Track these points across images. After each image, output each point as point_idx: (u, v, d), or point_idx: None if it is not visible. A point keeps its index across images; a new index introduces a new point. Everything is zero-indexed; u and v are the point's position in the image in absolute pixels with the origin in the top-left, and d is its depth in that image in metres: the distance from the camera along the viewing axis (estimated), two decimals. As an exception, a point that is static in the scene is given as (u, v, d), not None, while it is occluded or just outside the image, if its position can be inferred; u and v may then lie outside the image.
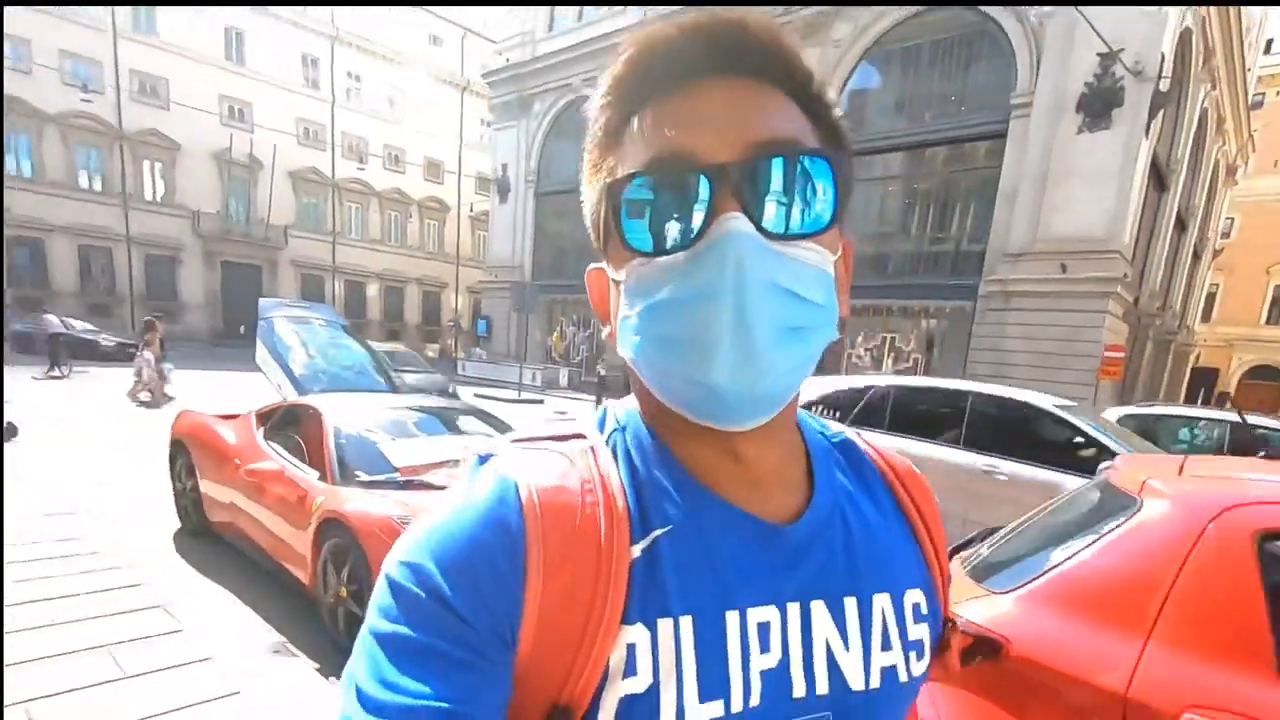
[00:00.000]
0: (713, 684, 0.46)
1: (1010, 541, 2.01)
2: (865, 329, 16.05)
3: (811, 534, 0.52)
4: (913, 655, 0.55)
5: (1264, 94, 29.37)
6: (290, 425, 4.41)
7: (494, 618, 0.43)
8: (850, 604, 0.52)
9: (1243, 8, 16.55)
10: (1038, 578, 1.62)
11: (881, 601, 0.54)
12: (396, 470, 3.76)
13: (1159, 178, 15.16)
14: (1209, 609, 1.39)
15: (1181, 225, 18.86)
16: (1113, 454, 3.83)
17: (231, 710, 2.71)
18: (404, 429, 4.35)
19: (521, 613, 0.43)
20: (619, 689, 0.44)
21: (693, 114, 0.44)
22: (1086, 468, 3.89)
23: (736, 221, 0.41)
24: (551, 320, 24.16)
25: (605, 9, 21.30)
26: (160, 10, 26.74)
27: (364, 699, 0.41)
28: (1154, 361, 19.18)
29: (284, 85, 30.26)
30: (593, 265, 0.53)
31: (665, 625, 0.45)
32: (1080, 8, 11.28)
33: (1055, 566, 1.62)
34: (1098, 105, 12.26)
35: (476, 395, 15.50)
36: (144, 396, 11.47)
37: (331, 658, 3.22)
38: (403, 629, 0.42)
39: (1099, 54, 11.97)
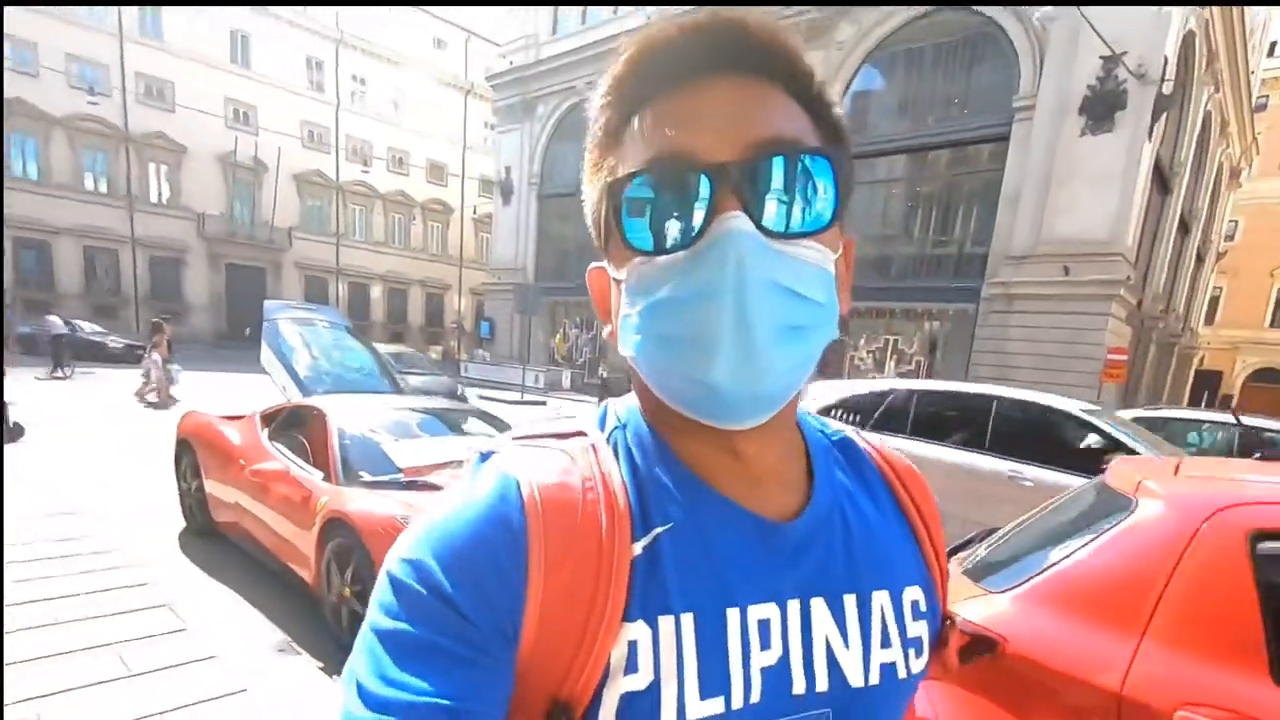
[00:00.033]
0: (713, 681, 0.46)
1: (1007, 542, 2.03)
2: (868, 331, 16.05)
3: (811, 532, 0.52)
4: (911, 652, 0.55)
5: (1268, 96, 29.34)
6: (295, 426, 4.44)
7: (495, 614, 0.43)
8: (850, 601, 0.52)
9: (1246, 12, 16.53)
10: (1034, 577, 1.64)
11: (881, 599, 0.54)
12: (400, 471, 3.78)
13: (1162, 180, 15.14)
14: (1202, 608, 1.41)
15: (1185, 228, 18.82)
16: None
17: (236, 708, 2.73)
18: (407, 430, 4.38)
19: (523, 609, 0.43)
20: (620, 685, 0.44)
21: (693, 113, 0.44)
22: None
23: (737, 220, 0.41)
24: (554, 322, 24.20)
25: (608, 12, 21.38)
26: (166, 14, 26.90)
27: (365, 695, 0.41)
28: (1157, 364, 19.14)
29: (289, 88, 30.42)
30: (594, 264, 0.53)
31: (666, 622, 0.46)
32: (1083, 12, 11.29)
33: (1051, 566, 1.63)
34: (1101, 108, 12.25)
35: (479, 397, 15.53)
36: (152, 398, 11.52)
37: (335, 657, 3.24)
38: (404, 625, 0.43)
39: (1102, 57, 11.97)
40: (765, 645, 0.48)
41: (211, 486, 4.53)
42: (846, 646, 0.51)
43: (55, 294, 24.76)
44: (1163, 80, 11.71)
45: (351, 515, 3.20)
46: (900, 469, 0.63)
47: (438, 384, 12.48)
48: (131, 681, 2.83)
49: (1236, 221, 30.23)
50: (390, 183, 33.98)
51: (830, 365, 16.25)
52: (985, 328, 13.81)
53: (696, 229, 0.42)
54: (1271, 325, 30.83)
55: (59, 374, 14.17)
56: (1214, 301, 30.46)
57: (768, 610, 0.49)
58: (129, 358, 17.63)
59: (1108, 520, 1.65)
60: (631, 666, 0.44)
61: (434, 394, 9.31)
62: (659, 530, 0.48)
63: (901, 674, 0.54)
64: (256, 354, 5.72)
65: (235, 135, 28.46)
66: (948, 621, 0.61)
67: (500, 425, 5.09)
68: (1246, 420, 5.62)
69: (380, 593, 0.45)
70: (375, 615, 0.44)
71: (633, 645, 0.45)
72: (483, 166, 34.64)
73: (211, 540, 4.61)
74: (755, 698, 0.47)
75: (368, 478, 3.67)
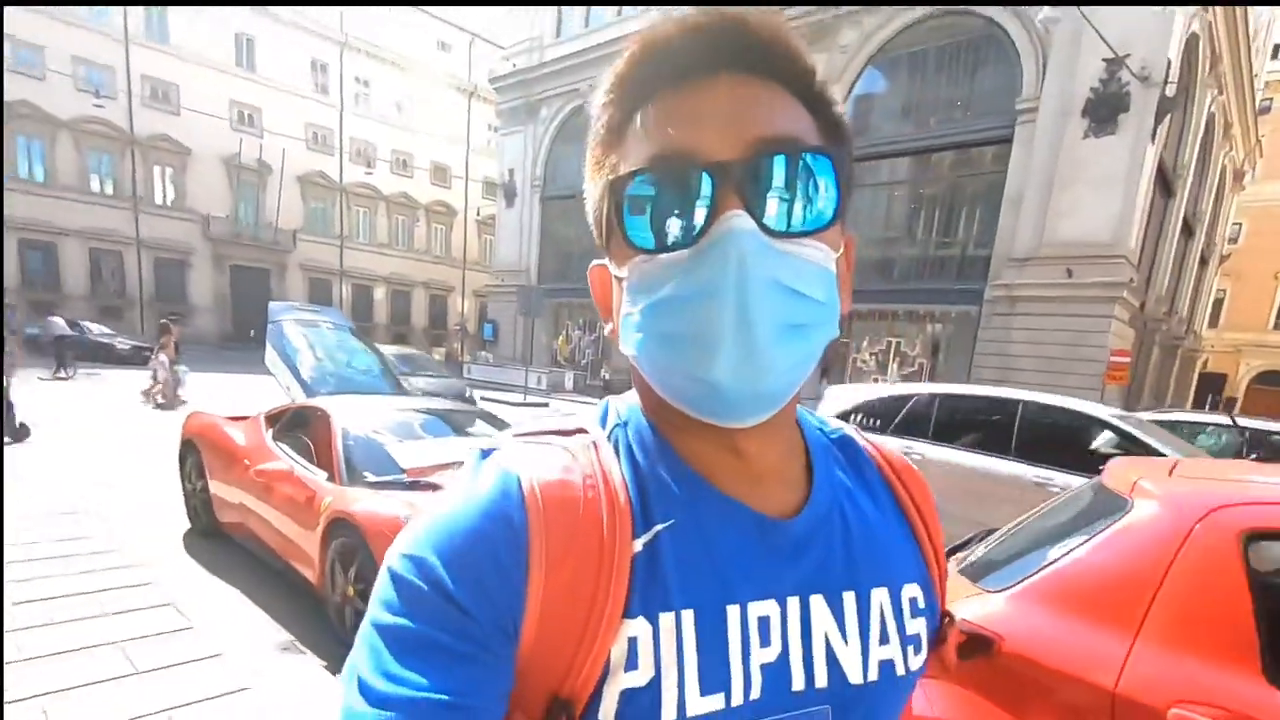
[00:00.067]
0: (713, 677, 0.46)
1: (1004, 542, 2.04)
2: (870, 333, 16.05)
3: (811, 529, 0.52)
4: (910, 649, 0.55)
5: (1272, 99, 29.27)
6: (299, 427, 4.46)
7: (496, 611, 0.43)
8: (849, 598, 0.52)
9: (1249, 14, 16.51)
10: (1030, 577, 1.65)
11: (879, 596, 0.54)
12: (403, 471, 3.80)
13: (1165, 183, 15.12)
14: (1196, 607, 1.42)
15: (1189, 230, 18.80)
16: None
17: (241, 706, 2.76)
18: (411, 431, 4.40)
19: (524, 606, 0.44)
20: (620, 682, 0.44)
21: (695, 111, 0.44)
22: None
23: (739, 219, 0.41)
24: (557, 324, 24.23)
25: (612, 15, 21.43)
26: (172, 17, 27.05)
27: (366, 690, 0.42)
28: (1161, 367, 19.10)
29: (293, 91, 30.56)
30: (595, 262, 0.53)
31: (667, 619, 0.46)
32: (1086, 14, 11.29)
33: (1047, 566, 1.65)
34: (1104, 110, 12.25)
35: (482, 398, 15.56)
36: (160, 399, 11.57)
37: (339, 656, 3.25)
38: (405, 621, 0.43)
39: (1105, 59, 11.97)
40: (765, 642, 0.48)
41: (216, 487, 4.55)
42: (845, 643, 0.51)
43: (61, 295, 24.91)
44: (1166, 83, 11.70)
45: (355, 515, 3.22)
46: (899, 467, 0.63)
47: (447, 386, 12.39)
48: (137, 679, 2.86)
49: (1240, 224, 30.15)
50: (394, 185, 34.07)
51: (832, 367, 16.27)
52: (988, 330, 13.80)
53: (698, 227, 0.42)
54: (1275, 328, 30.71)
55: (62, 374, 14.26)
56: (1218, 304, 30.35)
57: (768, 607, 0.49)
58: (136, 359, 17.71)
59: (1103, 520, 1.67)
60: (632, 663, 0.44)
61: (443, 396, 9.25)
62: (659, 527, 0.48)
63: (900, 671, 0.54)
64: (261, 355, 5.75)
65: (240, 137, 28.59)
66: (946, 619, 0.62)
67: (503, 427, 5.11)
68: (1242, 422, 5.61)
69: (381, 588, 0.45)
70: (376, 611, 0.44)
71: (633, 642, 0.45)
72: (486, 169, 34.71)
73: (216, 540, 4.64)
74: (755, 694, 0.47)
75: (371, 478, 3.69)
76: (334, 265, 32.55)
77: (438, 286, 36.54)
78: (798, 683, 0.49)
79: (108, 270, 26.51)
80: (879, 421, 5.42)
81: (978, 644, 1.57)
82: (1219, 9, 14.24)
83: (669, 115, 0.44)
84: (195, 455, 4.81)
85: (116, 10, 25.60)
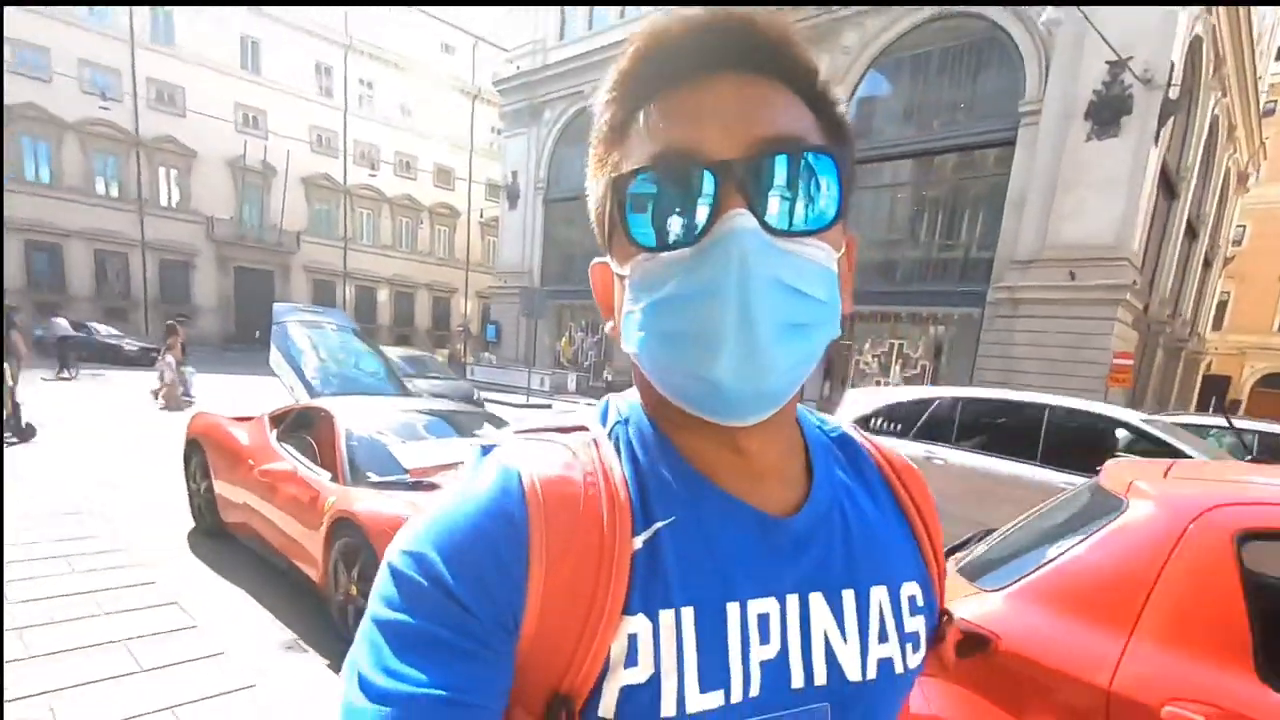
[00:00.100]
0: (713, 674, 0.46)
1: (1003, 541, 2.06)
2: (873, 335, 16.05)
3: (810, 527, 0.52)
4: (909, 647, 0.55)
5: (1276, 101, 29.21)
6: (303, 427, 4.49)
7: (497, 607, 0.43)
8: (848, 596, 0.52)
9: (1254, 17, 16.49)
10: (1026, 576, 1.67)
11: (879, 594, 0.54)
12: (406, 472, 3.82)
13: (1169, 185, 15.10)
14: (1190, 606, 1.43)
15: (1192, 233, 18.76)
16: None
17: (244, 704, 2.78)
18: (414, 432, 4.42)
19: (524, 602, 0.44)
20: (620, 679, 0.44)
21: (698, 109, 0.44)
22: None
23: (742, 218, 0.41)
24: (560, 325, 24.27)
25: (615, 17, 21.48)
26: (178, 20, 27.17)
27: (366, 686, 0.42)
28: (1164, 369, 19.05)
29: (298, 93, 30.68)
30: (596, 259, 0.53)
31: (667, 616, 0.46)
32: (1089, 17, 11.29)
33: (1043, 565, 1.66)
34: (1107, 113, 12.24)
35: (485, 400, 15.57)
36: (165, 399, 11.61)
37: (341, 655, 3.25)
38: (405, 617, 0.43)
39: (1108, 62, 11.95)
40: (765, 639, 0.48)
41: (220, 487, 4.58)
42: (845, 641, 0.51)
43: (66, 296, 25.04)
44: (1169, 85, 11.69)
45: (359, 515, 3.24)
46: (898, 466, 0.64)
47: (454, 389, 12.30)
48: (141, 677, 2.88)
49: (1244, 226, 30.10)
50: (398, 187, 34.17)
51: (835, 368, 16.28)
52: (991, 332, 13.79)
53: (701, 226, 0.42)
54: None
55: (65, 375, 14.36)
56: (1222, 306, 30.25)
57: (767, 605, 0.49)
58: (144, 360, 17.78)
59: (1099, 520, 1.68)
60: (631, 660, 0.45)
61: (451, 399, 9.16)
62: (660, 524, 0.48)
63: (899, 669, 0.54)
64: (264, 356, 5.79)
65: (245, 140, 28.70)
66: (945, 617, 0.62)
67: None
68: (1239, 424, 5.60)
69: (381, 584, 0.45)
70: (376, 606, 0.45)
71: (633, 639, 0.45)
72: (490, 171, 34.77)
73: (220, 540, 4.66)
74: (754, 691, 0.48)
75: (375, 478, 3.72)
76: (338, 267, 32.63)
77: (441, 288, 36.61)
78: (797, 680, 0.49)
79: (112, 272, 26.63)
80: (900, 425, 5.32)
81: (974, 642, 1.58)
82: (1222, 12, 14.23)
83: (672, 113, 0.44)
84: (200, 455, 4.84)
85: (122, 13, 25.73)
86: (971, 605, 1.69)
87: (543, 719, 0.45)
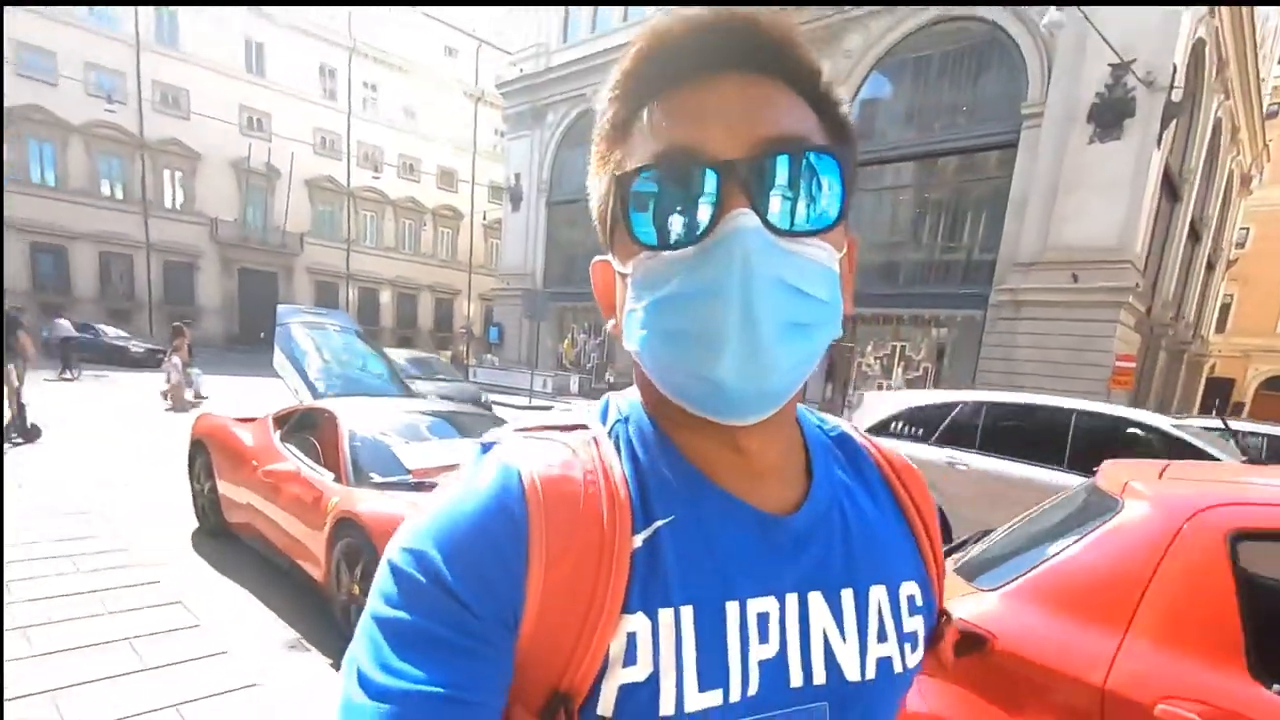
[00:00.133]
0: (712, 673, 0.46)
1: (999, 542, 2.07)
2: (875, 338, 16.04)
3: (810, 527, 0.52)
4: (907, 647, 0.55)
5: (1279, 104, 29.13)
6: (306, 428, 4.51)
7: (496, 605, 0.43)
8: (847, 596, 0.52)
9: (1257, 20, 16.47)
10: (1022, 575, 1.68)
11: (878, 594, 0.54)
12: (409, 472, 3.85)
13: (1171, 188, 15.08)
14: (1183, 605, 1.45)
15: (1195, 235, 18.73)
16: None
17: (247, 702, 2.80)
18: (416, 433, 4.44)
19: (524, 600, 0.44)
20: (619, 677, 0.44)
21: (702, 108, 0.44)
22: None
23: (745, 218, 0.41)
24: (562, 328, 24.30)
25: (618, 20, 21.54)
26: (183, 22, 27.29)
27: (365, 683, 0.42)
28: (1167, 372, 19.02)
29: (302, 96, 30.79)
30: (598, 258, 0.53)
31: (666, 615, 0.46)
32: (1092, 19, 11.30)
33: (1039, 565, 1.68)
34: (1109, 115, 12.24)
35: (493, 403, 15.60)
36: (171, 400, 11.65)
37: (344, 654, 3.29)
38: (404, 614, 0.43)
39: (1110, 64, 11.96)
40: (764, 638, 0.48)
41: (224, 487, 4.61)
42: (844, 640, 0.51)
43: (71, 298, 25.13)
44: (1172, 87, 11.69)
45: (361, 515, 3.26)
46: (898, 465, 0.64)
47: (461, 391, 12.23)
48: (146, 675, 2.90)
49: (1248, 229, 29.98)
50: (401, 189, 34.26)
51: (837, 370, 16.28)
52: (993, 334, 13.78)
53: (704, 225, 0.42)
54: (1284, 333, 30.55)
55: (67, 375, 14.44)
56: (1225, 309, 30.15)
57: (766, 604, 0.49)
58: (150, 362, 17.86)
59: (1095, 520, 1.69)
60: (630, 658, 0.44)
61: (458, 401, 9.11)
62: (659, 523, 0.48)
63: (897, 669, 0.54)
64: (268, 357, 5.81)
65: (249, 142, 28.80)
66: (944, 617, 0.62)
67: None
68: (1234, 425, 5.60)
69: (381, 581, 0.45)
70: (376, 604, 0.45)
71: (632, 637, 0.45)
72: (493, 173, 34.84)
73: (224, 540, 4.69)
74: (753, 690, 0.47)
75: (377, 479, 3.74)
76: (341, 269, 32.72)
77: (444, 290, 36.68)
78: (796, 679, 0.49)
79: (117, 273, 26.74)
80: (922, 430, 5.24)
81: (971, 641, 1.59)
82: (1225, 15, 14.22)
83: (676, 112, 0.44)
84: (204, 456, 4.87)
85: (128, 16, 25.87)
86: (968, 604, 1.71)
87: (542, 717, 0.45)
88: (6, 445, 7.03)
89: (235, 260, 29.41)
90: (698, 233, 0.43)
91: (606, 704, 0.44)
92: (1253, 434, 6.01)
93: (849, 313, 0.50)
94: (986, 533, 2.34)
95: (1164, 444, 4.42)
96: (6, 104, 22.45)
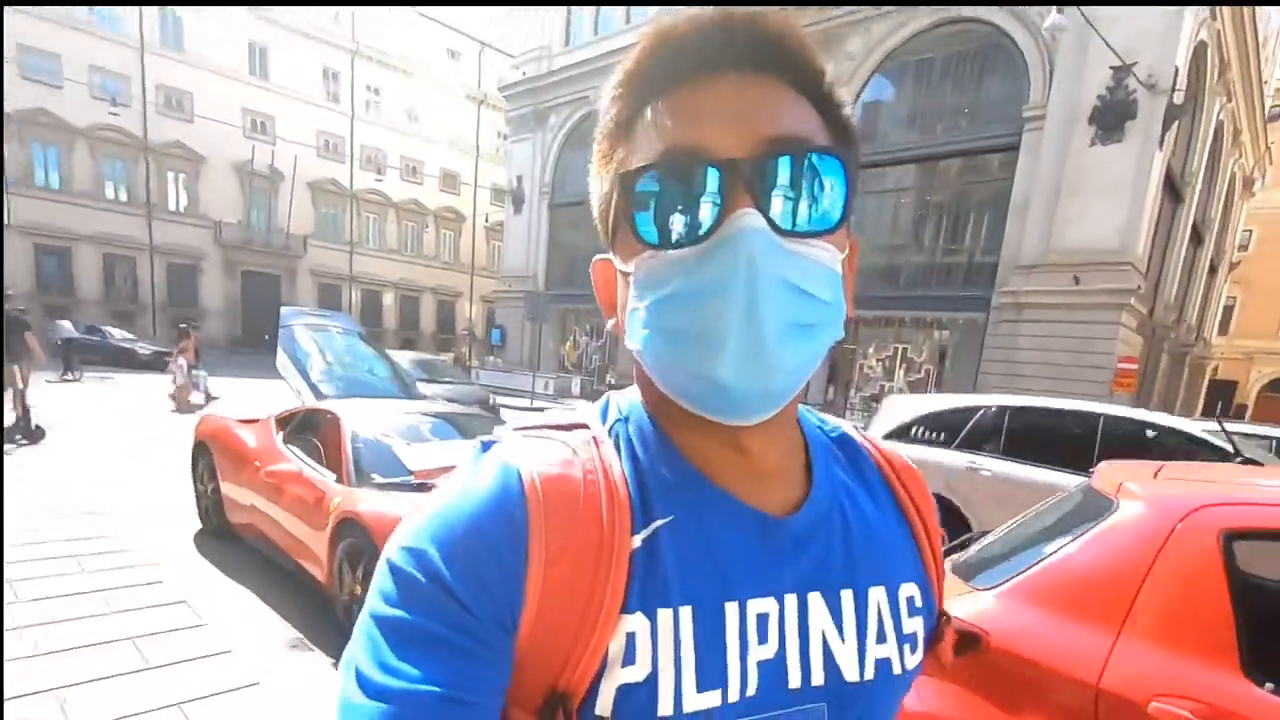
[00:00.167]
0: (711, 674, 0.46)
1: (997, 542, 2.08)
2: (877, 340, 16.03)
3: (810, 527, 0.52)
4: (906, 648, 0.55)
5: (1282, 106, 29.10)
6: (309, 429, 4.53)
7: (495, 604, 0.43)
8: (846, 596, 0.52)
9: (1259, 22, 16.46)
10: (1018, 575, 1.70)
11: (877, 595, 0.54)
12: (411, 473, 3.86)
13: (1174, 190, 15.06)
14: (1177, 604, 1.46)
15: (1198, 237, 18.69)
16: None
17: (250, 701, 2.82)
18: (418, 434, 4.46)
19: (522, 600, 0.43)
20: (617, 677, 0.44)
21: (705, 108, 0.44)
22: None
23: (749, 217, 0.41)
24: (564, 330, 24.31)
25: (621, 23, 21.58)
26: (187, 25, 27.38)
27: (363, 682, 0.42)
28: (1169, 374, 18.97)
29: (305, 99, 30.86)
30: (598, 256, 0.53)
31: (665, 615, 0.45)
32: (1093, 22, 11.30)
33: (1035, 564, 1.69)
34: (1111, 118, 12.23)
35: (500, 405, 15.61)
36: (172, 405, 11.69)
37: (346, 653, 3.32)
38: (403, 613, 0.43)
39: (1112, 67, 11.95)
40: (763, 639, 0.48)
41: (227, 488, 4.63)
42: (843, 641, 0.51)
43: (75, 300, 25.20)
44: (1173, 90, 11.68)
45: (363, 516, 3.28)
46: (899, 466, 0.63)
47: (467, 393, 12.18)
48: (150, 674, 2.93)
49: (1250, 231, 29.92)
50: (404, 191, 34.32)
51: (840, 373, 16.28)
52: (995, 337, 13.76)
53: (708, 224, 0.42)
54: (1286, 335, 30.47)
55: (69, 377, 14.49)
56: (1228, 311, 30.03)
57: (766, 604, 0.49)
58: (157, 364, 17.87)
59: (1090, 520, 1.71)
60: (629, 658, 0.44)
61: (463, 403, 9.07)
62: (659, 523, 0.48)
63: (896, 670, 0.54)
64: (271, 359, 5.84)
65: (252, 145, 28.87)
66: (943, 618, 0.61)
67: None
68: (1230, 427, 5.59)
69: (380, 580, 0.45)
70: (375, 602, 0.44)
71: (631, 637, 0.45)
72: (495, 175, 34.91)
73: (226, 540, 4.71)
74: (752, 691, 0.47)
75: (379, 479, 3.76)
76: (344, 271, 32.77)
77: (446, 292, 36.73)
78: (794, 680, 0.49)
79: (121, 275, 26.80)
80: (943, 435, 5.16)
81: (966, 641, 1.61)
82: (1227, 17, 14.22)
83: (679, 111, 0.44)
84: (207, 457, 4.89)
85: (132, 19, 25.98)
86: (965, 604, 1.72)
87: (540, 716, 0.45)
88: (11, 446, 7.06)
89: (239, 262, 29.47)
90: (701, 232, 0.43)
91: (605, 704, 0.44)
92: (1245, 436, 5.97)
93: (850, 314, 0.50)
94: (984, 533, 2.35)
95: (1192, 448, 4.34)
96: (13, 107, 22.58)
